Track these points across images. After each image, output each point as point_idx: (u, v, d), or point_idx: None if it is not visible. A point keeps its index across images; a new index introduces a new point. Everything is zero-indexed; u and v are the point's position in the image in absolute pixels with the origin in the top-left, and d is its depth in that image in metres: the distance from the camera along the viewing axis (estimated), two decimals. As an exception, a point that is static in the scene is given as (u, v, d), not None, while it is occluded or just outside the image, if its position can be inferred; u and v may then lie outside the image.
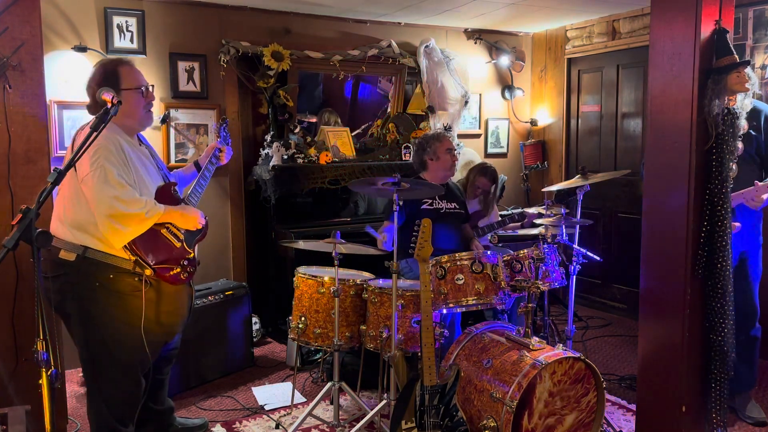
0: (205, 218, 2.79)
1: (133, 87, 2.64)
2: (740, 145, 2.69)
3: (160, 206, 2.54)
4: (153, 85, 2.79)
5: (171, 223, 2.63)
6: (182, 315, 2.79)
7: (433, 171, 3.77)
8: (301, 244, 3.34)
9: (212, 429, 3.23)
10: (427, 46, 5.12)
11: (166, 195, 2.67)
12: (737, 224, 2.90)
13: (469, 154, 5.52)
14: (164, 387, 3.04)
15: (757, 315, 3.20)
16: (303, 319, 3.21)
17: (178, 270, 2.63)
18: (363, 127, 5.32)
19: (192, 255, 2.71)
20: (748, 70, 2.64)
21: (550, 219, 3.35)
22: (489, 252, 3.07)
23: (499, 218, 4.24)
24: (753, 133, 3.04)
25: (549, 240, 3.27)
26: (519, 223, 4.17)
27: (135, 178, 2.56)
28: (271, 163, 4.40)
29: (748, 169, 3.05)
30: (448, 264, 3.00)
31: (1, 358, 2.87)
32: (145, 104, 2.70)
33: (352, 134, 4.99)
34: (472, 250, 3.73)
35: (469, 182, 4.41)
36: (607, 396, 3.40)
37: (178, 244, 2.65)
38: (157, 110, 4.29)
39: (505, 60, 5.66)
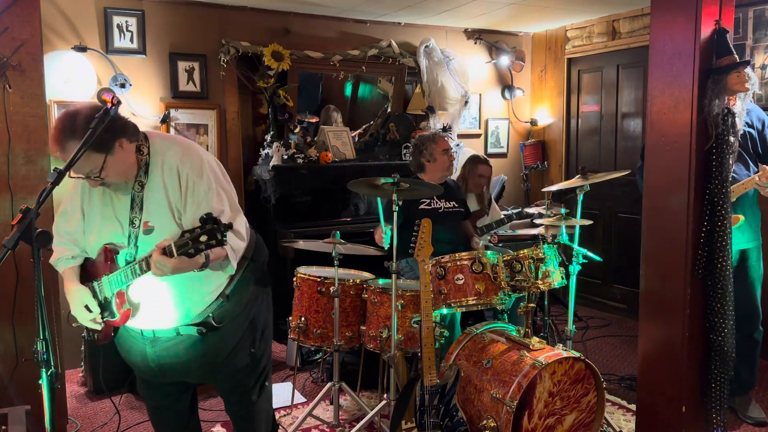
0: (101, 323, 2.11)
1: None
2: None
3: (59, 268, 2.18)
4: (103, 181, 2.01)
5: None
6: (131, 362, 2.30)
7: (431, 172, 3.74)
8: (301, 244, 3.34)
9: (212, 429, 3.23)
10: (427, 46, 5.12)
11: (99, 260, 2.12)
12: (741, 216, 2.89)
13: (469, 154, 5.51)
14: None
15: (759, 317, 3.18)
16: (303, 319, 3.21)
17: None
18: (363, 127, 5.32)
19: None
20: (748, 70, 2.64)
21: (550, 219, 3.35)
22: (489, 252, 3.07)
23: (501, 217, 4.21)
24: (746, 129, 3.04)
25: (549, 240, 3.27)
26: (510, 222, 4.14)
27: (83, 224, 2.16)
28: (271, 164, 4.40)
29: (742, 165, 3.06)
30: (448, 264, 3.00)
31: (1, 358, 2.87)
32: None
33: (352, 134, 4.99)
34: (473, 248, 3.73)
35: (469, 175, 4.35)
36: (607, 396, 3.40)
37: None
38: (158, 110, 4.30)
39: (505, 60, 5.66)
